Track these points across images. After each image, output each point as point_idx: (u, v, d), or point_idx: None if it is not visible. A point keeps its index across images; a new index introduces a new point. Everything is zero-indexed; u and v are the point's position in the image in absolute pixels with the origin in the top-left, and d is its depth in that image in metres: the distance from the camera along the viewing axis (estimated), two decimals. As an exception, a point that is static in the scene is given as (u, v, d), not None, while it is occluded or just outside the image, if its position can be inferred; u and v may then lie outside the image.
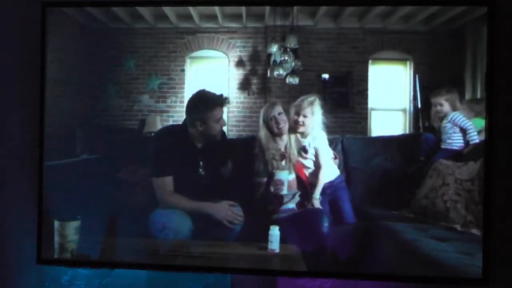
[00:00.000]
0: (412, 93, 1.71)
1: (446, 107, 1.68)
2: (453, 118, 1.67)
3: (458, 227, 1.60)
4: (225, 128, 1.76)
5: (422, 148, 1.71)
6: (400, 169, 1.72)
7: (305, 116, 1.71)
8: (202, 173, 1.74)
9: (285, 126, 1.72)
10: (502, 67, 1.57)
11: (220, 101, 1.69)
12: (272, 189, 1.71)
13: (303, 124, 1.71)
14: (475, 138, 1.63)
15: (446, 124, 1.69)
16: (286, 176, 1.71)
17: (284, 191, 1.71)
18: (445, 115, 1.68)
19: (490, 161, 1.56)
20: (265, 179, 1.72)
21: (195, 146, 1.73)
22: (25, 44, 1.75)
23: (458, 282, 1.56)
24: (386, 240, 1.66)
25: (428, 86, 1.70)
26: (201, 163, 1.73)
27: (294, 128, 1.73)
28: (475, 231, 1.58)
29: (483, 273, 1.54)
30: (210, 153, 1.74)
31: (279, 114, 1.72)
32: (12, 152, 1.77)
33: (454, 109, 1.67)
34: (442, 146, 1.69)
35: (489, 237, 1.55)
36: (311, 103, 1.71)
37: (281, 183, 1.71)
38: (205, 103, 1.69)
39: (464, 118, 1.66)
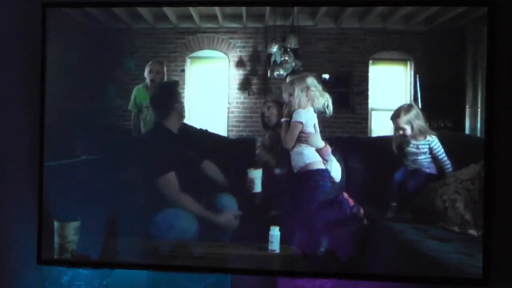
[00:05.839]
0: (412, 93, 1.71)
1: (408, 130, 1.66)
2: (432, 147, 1.66)
3: (456, 229, 1.60)
4: (225, 128, 1.77)
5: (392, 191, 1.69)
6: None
7: (290, 95, 1.70)
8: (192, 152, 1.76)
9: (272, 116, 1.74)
10: (502, 67, 1.57)
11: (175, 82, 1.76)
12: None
13: (289, 103, 1.71)
14: (449, 168, 1.64)
15: (417, 149, 1.67)
16: (259, 175, 1.70)
17: (257, 189, 1.70)
18: (410, 139, 1.67)
19: (490, 161, 1.56)
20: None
21: (174, 133, 1.75)
22: (25, 44, 1.75)
23: (458, 282, 1.56)
24: (386, 240, 1.66)
25: (429, 86, 1.69)
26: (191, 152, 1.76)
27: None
28: (471, 231, 1.58)
29: (483, 273, 1.54)
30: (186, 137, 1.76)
31: (268, 108, 1.74)
32: (12, 152, 1.77)
33: (415, 130, 1.65)
34: (410, 168, 1.69)
35: (489, 237, 1.55)
36: (292, 83, 1.70)
37: (251, 181, 1.70)
38: (172, 86, 1.77)
39: (442, 150, 1.64)
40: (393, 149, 1.69)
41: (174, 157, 1.74)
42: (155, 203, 1.69)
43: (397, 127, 1.67)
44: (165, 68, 1.76)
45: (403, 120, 1.66)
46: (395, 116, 1.67)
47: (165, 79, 1.77)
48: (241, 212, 1.70)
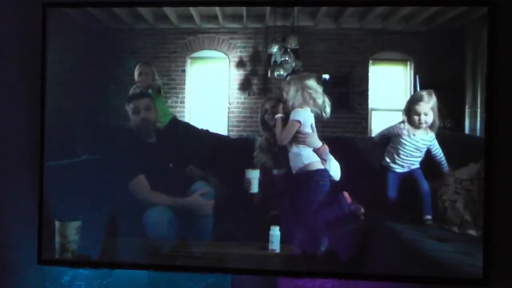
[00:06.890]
0: (412, 93, 1.71)
1: (430, 117, 1.63)
2: (432, 145, 1.64)
3: (456, 229, 1.60)
4: (225, 129, 1.77)
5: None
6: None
7: (286, 94, 1.69)
8: (171, 165, 1.76)
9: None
10: (502, 67, 1.58)
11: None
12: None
13: (286, 101, 1.70)
14: (446, 168, 1.64)
15: (417, 145, 1.66)
16: (256, 175, 1.70)
17: (254, 189, 1.69)
18: (429, 126, 1.63)
19: (490, 161, 1.56)
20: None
21: (149, 143, 1.76)
22: (25, 44, 1.75)
23: (458, 282, 1.57)
24: (386, 240, 1.66)
25: (429, 86, 1.69)
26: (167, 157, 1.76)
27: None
28: (471, 231, 1.58)
29: (483, 273, 1.54)
30: (165, 146, 1.77)
31: (272, 107, 1.73)
32: (12, 152, 1.77)
33: (435, 119, 1.61)
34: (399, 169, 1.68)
35: (489, 237, 1.55)
36: (289, 82, 1.70)
37: (248, 181, 1.69)
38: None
39: (440, 150, 1.63)
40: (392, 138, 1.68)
41: (148, 161, 1.74)
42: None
43: (418, 112, 1.62)
44: (154, 69, 1.76)
45: (429, 105, 1.61)
46: (417, 100, 1.62)
47: (157, 79, 1.76)
48: (208, 189, 1.71)
